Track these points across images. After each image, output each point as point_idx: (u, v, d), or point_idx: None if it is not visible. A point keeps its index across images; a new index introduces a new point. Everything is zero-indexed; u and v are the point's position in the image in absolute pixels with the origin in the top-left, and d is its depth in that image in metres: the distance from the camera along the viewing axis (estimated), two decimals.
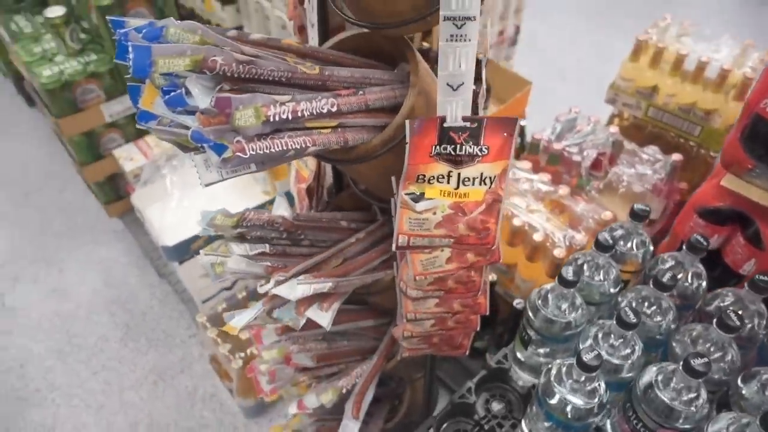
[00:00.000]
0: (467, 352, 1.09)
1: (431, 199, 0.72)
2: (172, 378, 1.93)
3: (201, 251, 0.87)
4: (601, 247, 1.03)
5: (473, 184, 0.72)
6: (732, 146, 1.15)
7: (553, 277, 1.33)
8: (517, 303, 1.47)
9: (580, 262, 1.08)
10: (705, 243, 1.02)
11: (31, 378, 1.94)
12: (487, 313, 0.93)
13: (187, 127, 0.56)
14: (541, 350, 1.13)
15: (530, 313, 1.05)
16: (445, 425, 1.17)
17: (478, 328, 0.99)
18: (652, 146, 1.69)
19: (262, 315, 0.85)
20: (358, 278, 0.92)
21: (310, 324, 1.16)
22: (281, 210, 0.97)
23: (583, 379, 0.89)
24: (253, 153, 0.59)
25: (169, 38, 0.59)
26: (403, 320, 0.94)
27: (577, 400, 0.90)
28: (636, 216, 1.09)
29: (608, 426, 1.06)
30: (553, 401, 0.92)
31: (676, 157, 1.63)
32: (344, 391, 1.12)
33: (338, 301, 0.90)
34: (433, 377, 1.31)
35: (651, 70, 1.89)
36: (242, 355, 1.66)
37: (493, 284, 1.51)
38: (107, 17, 0.65)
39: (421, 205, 0.72)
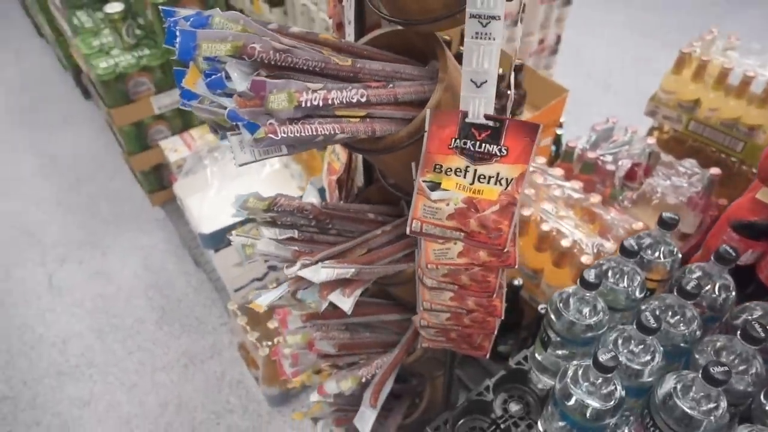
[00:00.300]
0: (488, 355, 1.10)
1: (446, 190, 0.74)
2: (202, 363, 2.00)
3: (233, 232, 0.92)
4: (626, 252, 1.03)
5: (488, 183, 0.73)
6: None
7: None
8: (542, 308, 1.47)
9: (605, 267, 1.08)
10: (733, 254, 1.00)
11: (72, 354, 2.05)
12: (503, 317, 0.94)
13: (224, 108, 0.61)
14: (560, 352, 1.13)
15: (551, 315, 1.06)
16: (461, 422, 1.19)
17: (496, 332, 1.00)
18: (689, 159, 1.66)
19: (286, 296, 0.89)
20: (381, 268, 0.95)
21: (335, 313, 1.20)
22: (311, 198, 1.00)
23: (599, 380, 0.89)
24: (285, 135, 0.63)
25: (214, 26, 0.64)
26: (420, 308, 0.96)
27: (593, 402, 0.90)
28: (664, 224, 1.08)
29: None
30: (569, 402, 0.92)
31: (714, 171, 1.60)
32: (364, 380, 1.15)
33: (360, 288, 0.93)
34: (453, 375, 1.32)
35: (694, 83, 1.86)
36: (269, 343, 1.71)
37: (518, 288, 1.51)
38: (161, 7, 0.71)
39: (436, 194, 0.74)
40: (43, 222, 2.55)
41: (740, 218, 1.25)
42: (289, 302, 0.94)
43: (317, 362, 1.16)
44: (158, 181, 2.32)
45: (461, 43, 0.73)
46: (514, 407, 1.21)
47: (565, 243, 1.40)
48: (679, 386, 0.89)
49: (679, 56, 1.88)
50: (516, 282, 1.48)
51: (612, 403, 0.90)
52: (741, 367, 0.94)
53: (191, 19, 0.65)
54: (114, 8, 1.90)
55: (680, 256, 1.15)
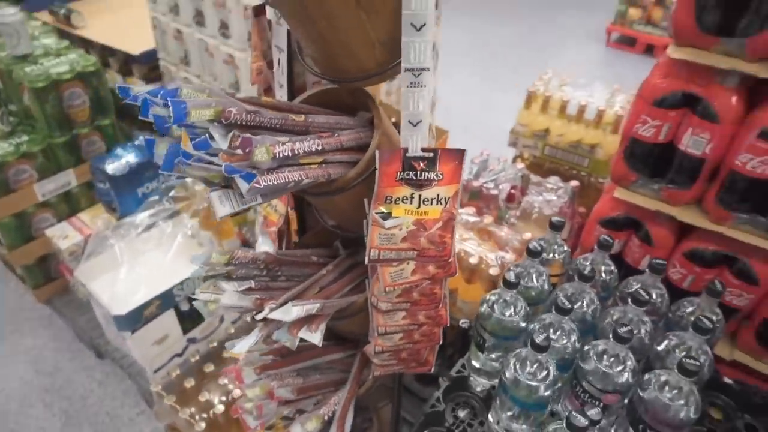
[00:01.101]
0: (432, 369, 1.22)
1: (397, 217, 0.87)
2: None
3: (196, 290, 0.95)
4: (531, 253, 1.23)
5: (431, 204, 0.88)
6: (618, 165, 1.42)
7: None
8: (462, 322, 1.64)
9: (517, 270, 1.27)
10: (611, 240, 1.25)
11: None
12: (448, 324, 1.07)
13: (214, 165, 0.68)
14: (494, 355, 1.29)
15: (483, 318, 1.21)
16: None
17: (441, 341, 1.13)
18: (553, 176, 1.98)
19: (260, 340, 0.94)
20: (337, 301, 1.04)
21: (284, 362, 1.25)
22: (265, 247, 1.07)
23: (536, 360, 1.05)
24: (266, 184, 0.72)
25: (183, 97, 0.72)
26: (374, 335, 1.06)
27: (534, 381, 1.05)
28: (554, 227, 1.31)
29: (560, 408, 1.22)
30: (515, 385, 1.07)
31: (574, 183, 1.92)
32: (326, 417, 1.19)
33: (323, 322, 1.00)
34: (401, 400, 1.41)
35: (542, 115, 2.23)
36: (204, 416, 1.66)
37: None
38: (117, 85, 0.76)
39: (389, 222, 0.86)
40: None
41: (605, 215, 1.54)
42: (259, 349, 0.98)
43: (279, 410, 1.18)
44: (44, 273, 2.14)
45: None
46: (461, 413, 1.33)
47: (473, 260, 1.59)
48: (596, 353, 1.09)
49: (528, 94, 2.25)
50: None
51: (550, 377, 1.06)
52: (637, 327, 1.16)
53: (161, 92, 0.72)
54: None
55: (568, 252, 1.38)
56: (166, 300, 1.69)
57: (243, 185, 0.67)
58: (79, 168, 2.02)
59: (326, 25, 0.76)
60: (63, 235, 1.95)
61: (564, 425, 0.93)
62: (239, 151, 0.69)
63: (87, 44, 2.68)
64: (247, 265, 1.00)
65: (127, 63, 2.71)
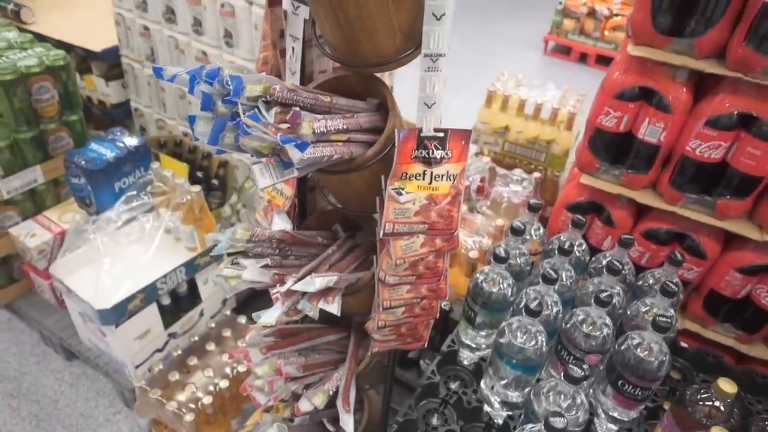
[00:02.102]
0: (425, 344, 1.30)
1: (411, 192, 0.95)
2: None
3: (221, 266, 0.99)
4: (515, 231, 1.35)
5: (442, 180, 0.97)
6: (583, 152, 1.57)
7: (470, 277, 1.62)
8: (444, 305, 1.73)
9: (502, 246, 1.38)
10: (583, 219, 1.38)
11: None
12: (447, 296, 1.16)
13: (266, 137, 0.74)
14: (483, 332, 1.39)
15: (474, 291, 1.31)
16: (420, 404, 1.35)
17: (438, 315, 1.21)
18: (517, 168, 2.12)
19: (285, 310, 0.99)
20: (350, 275, 1.11)
21: (286, 342, 1.30)
22: (281, 225, 1.12)
23: (529, 324, 1.16)
24: (308, 156, 0.78)
25: (225, 75, 0.77)
26: (379, 310, 1.13)
27: (527, 344, 1.16)
28: (532, 208, 1.43)
29: (544, 375, 1.34)
30: (511, 350, 1.17)
31: (537, 174, 2.07)
32: (331, 392, 1.25)
33: (338, 294, 1.07)
34: (393, 378, 1.48)
35: (502, 114, 2.38)
36: (192, 406, 1.66)
37: None
38: (153, 66, 0.80)
39: (404, 197, 0.95)
40: None
41: (571, 201, 1.69)
42: (288, 317, 1.02)
43: (288, 386, 1.23)
44: (6, 274, 2.05)
45: None
46: (453, 385, 1.42)
47: None
48: (577, 318, 1.21)
49: (488, 94, 2.39)
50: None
51: (540, 341, 1.17)
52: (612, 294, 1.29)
53: (204, 71, 0.77)
54: None
55: (545, 232, 1.51)
56: (149, 294, 1.68)
57: (296, 154, 0.73)
58: (46, 164, 1.96)
59: (356, 12, 0.84)
60: (30, 234, 1.89)
61: (562, 377, 1.03)
62: (285, 125, 0.75)
63: (41, 40, 2.59)
64: (262, 244, 1.05)
65: (85, 60, 2.65)
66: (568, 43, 5.00)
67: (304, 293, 1.00)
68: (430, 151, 0.95)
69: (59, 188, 2.06)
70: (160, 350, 1.85)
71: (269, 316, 0.98)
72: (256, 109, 0.75)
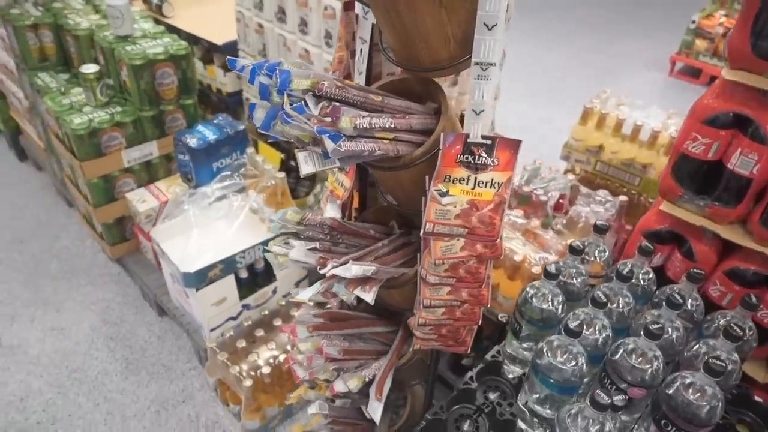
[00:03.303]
0: (469, 350, 1.31)
1: (453, 195, 0.97)
2: (174, 407, 2.01)
3: (271, 243, 1.08)
4: (573, 250, 1.31)
5: (485, 187, 0.98)
6: (666, 179, 1.48)
7: None
8: (501, 317, 1.72)
9: (558, 264, 1.35)
10: (651, 247, 1.31)
11: (32, 411, 1.98)
12: (489, 305, 1.16)
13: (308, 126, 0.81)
14: (526, 345, 1.37)
15: (522, 305, 1.30)
16: (453, 408, 1.37)
17: (479, 322, 1.22)
18: (602, 190, 2.03)
19: (321, 291, 1.06)
20: (391, 269, 1.15)
21: (333, 326, 1.37)
22: (332, 213, 1.20)
23: (569, 344, 1.13)
24: (346, 149, 0.84)
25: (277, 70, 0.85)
26: (420, 307, 1.16)
27: (565, 365, 1.13)
28: (599, 229, 1.38)
29: (587, 399, 1.29)
30: (547, 368, 1.15)
31: (623, 198, 1.97)
32: (367, 379, 1.30)
33: (376, 285, 1.12)
34: (435, 376, 1.51)
35: (597, 132, 2.29)
36: (253, 374, 1.80)
37: None
38: (228, 58, 0.91)
39: (445, 200, 0.97)
40: None
41: (649, 228, 1.60)
42: (324, 298, 1.10)
43: (326, 365, 1.30)
44: (120, 233, 2.36)
45: None
46: (492, 395, 1.42)
47: (517, 258, 1.67)
48: (625, 347, 1.15)
49: (584, 111, 2.31)
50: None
51: (579, 362, 1.13)
52: (669, 329, 1.22)
53: (266, 65, 0.86)
54: (90, 69, 2.03)
55: (609, 255, 1.45)
56: (228, 265, 1.85)
57: (330, 144, 0.79)
58: (161, 141, 2.23)
59: (411, 19, 0.88)
60: (141, 200, 2.15)
61: (588, 401, 1.00)
62: (328, 119, 0.82)
63: (175, 32, 2.92)
64: (314, 228, 1.13)
65: (209, 52, 2.93)
66: (698, 64, 4.63)
67: (342, 278, 1.07)
68: (477, 156, 0.97)
69: (170, 163, 2.33)
70: (233, 318, 2.02)
71: (305, 294, 1.06)
72: (302, 102, 0.82)
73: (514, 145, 0.96)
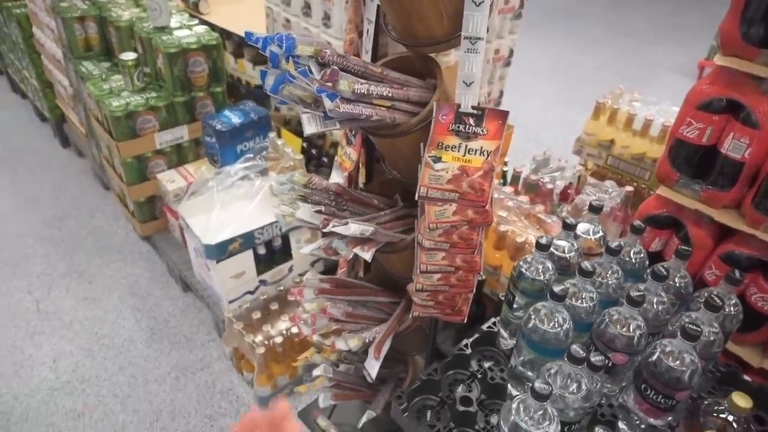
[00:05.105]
0: (465, 320, 1.38)
1: (445, 162, 1.06)
2: (193, 374, 2.14)
3: (278, 202, 1.19)
4: (566, 226, 1.38)
5: (475, 154, 1.07)
6: (663, 164, 1.53)
7: None
8: (503, 296, 1.79)
9: (550, 238, 1.42)
10: (642, 225, 1.37)
11: (63, 371, 2.14)
12: (481, 272, 1.24)
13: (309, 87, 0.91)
14: (519, 314, 1.43)
15: (515, 276, 1.37)
16: (447, 373, 1.44)
17: (474, 290, 1.30)
18: (609, 180, 2.08)
19: (323, 246, 1.16)
20: (389, 233, 1.24)
21: (338, 291, 1.46)
22: (337, 178, 1.30)
23: (553, 309, 1.20)
24: (344, 110, 0.94)
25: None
26: (417, 272, 1.25)
27: (548, 328, 1.20)
28: (593, 209, 1.44)
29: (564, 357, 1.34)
30: (532, 331, 1.22)
31: (629, 188, 2.02)
32: (367, 340, 1.39)
33: (375, 246, 1.21)
34: (434, 344, 1.58)
35: (609, 127, 2.34)
36: (266, 343, 1.91)
37: (481, 283, 1.82)
38: (245, 31, 1.02)
39: (438, 165, 1.06)
40: (27, 255, 2.65)
41: (648, 213, 1.65)
42: (326, 255, 1.19)
43: (329, 325, 1.40)
44: (150, 212, 2.52)
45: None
46: (486, 363, 1.49)
47: (519, 239, 1.74)
48: (609, 314, 1.22)
49: (596, 106, 2.36)
50: (478, 277, 1.79)
51: (564, 326, 1.20)
52: (653, 300, 1.27)
53: (276, 36, 0.97)
54: (129, 56, 2.19)
55: (605, 235, 1.51)
56: (247, 240, 1.97)
57: (328, 103, 0.90)
58: (191, 125, 2.38)
59: None
60: (171, 180, 2.30)
61: (565, 357, 1.07)
62: (328, 83, 0.92)
63: (209, 26, 3.08)
64: (320, 192, 1.24)
65: (240, 47, 3.09)
66: None
67: (343, 236, 1.16)
68: (467, 126, 1.06)
69: (199, 147, 2.47)
70: (250, 293, 2.13)
71: (308, 248, 1.16)
72: (306, 67, 0.93)
73: (503, 115, 1.05)
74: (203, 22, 2.79)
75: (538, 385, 0.98)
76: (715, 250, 1.54)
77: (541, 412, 1.03)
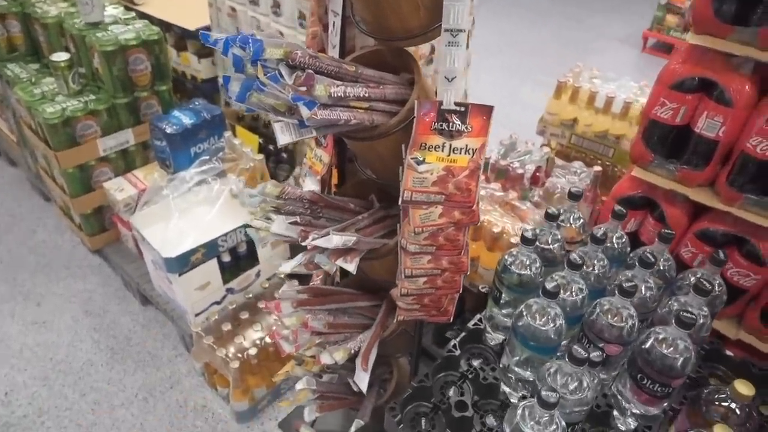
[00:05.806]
0: (451, 319, 1.33)
1: (429, 163, 0.99)
2: (162, 394, 2.02)
3: (251, 217, 1.09)
4: (549, 216, 1.34)
5: (460, 153, 1.00)
6: (637, 145, 1.52)
7: None
8: (482, 288, 1.75)
9: (534, 230, 1.38)
10: (624, 210, 1.35)
11: (18, 405, 1.97)
12: (468, 272, 1.19)
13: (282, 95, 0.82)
14: (506, 311, 1.40)
15: (501, 273, 1.33)
16: (438, 376, 1.40)
17: (461, 290, 1.24)
18: (577, 161, 2.07)
19: (304, 262, 1.08)
20: (371, 240, 1.17)
21: (317, 301, 1.38)
22: (310, 186, 1.21)
23: (546, 306, 1.16)
24: (322, 117, 0.85)
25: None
26: (401, 277, 1.18)
27: (543, 326, 1.17)
28: (573, 196, 1.42)
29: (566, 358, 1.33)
30: (526, 330, 1.18)
31: (597, 168, 2.02)
32: (352, 351, 1.33)
33: (358, 256, 1.13)
34: (420, 347, 1.54)
35: (571, 105, 2.33)
36: (239, 356, 1.81)
37: None
38: (201, 32, 0.91)
39: (422, 167, 0.99)
40: None
41: (623, 194, 1.64)
42: (307, 270, 1.11)
43: (311, 339, 1.32)
44: (99, 223, 2.34)
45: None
46: (475, 362, 1.45)
47: (495, 230, 1.70)
48: (601, 306, 1.19)
49: (558, 85, 2.34)
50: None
51: (557, 323, 1.17)
52: (642, 288, 1.25)
53: (239, 38, 0.86)
54: (61, 57, 1.99)
55: (585, 221, 1.49)
56: (210, 249, 1.85)
57: (305, 111, 0.81)
58: (137, 128, 2.20)
59: None
60: (119, 188, 2.13)
61: (566, 357, 1.04)
62: (303, 88, 0.83)
63: (147, 19, 2.87)
64: (294, 202, 1.14)
65: (182, 39, 2.90)
66: (669, 40, 4.70)
67: (324, 249, 1.08)
68: (450, 124, 0.99)
69: (147, 151, 2.30)
70: (218, 303, 2.02)
71: (288, 266, 1.07)
72: (276, 71, 0.83)
73: (487, 111, 0.98)
74: (140, 14, 2.59)
75: (545, 393, 0.95)
76: (690, 228, 1.55)
77: (546, 417, 1.00)
